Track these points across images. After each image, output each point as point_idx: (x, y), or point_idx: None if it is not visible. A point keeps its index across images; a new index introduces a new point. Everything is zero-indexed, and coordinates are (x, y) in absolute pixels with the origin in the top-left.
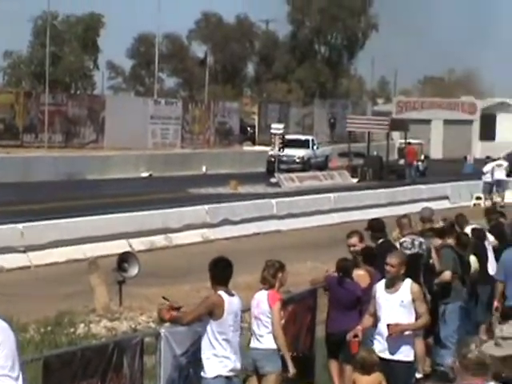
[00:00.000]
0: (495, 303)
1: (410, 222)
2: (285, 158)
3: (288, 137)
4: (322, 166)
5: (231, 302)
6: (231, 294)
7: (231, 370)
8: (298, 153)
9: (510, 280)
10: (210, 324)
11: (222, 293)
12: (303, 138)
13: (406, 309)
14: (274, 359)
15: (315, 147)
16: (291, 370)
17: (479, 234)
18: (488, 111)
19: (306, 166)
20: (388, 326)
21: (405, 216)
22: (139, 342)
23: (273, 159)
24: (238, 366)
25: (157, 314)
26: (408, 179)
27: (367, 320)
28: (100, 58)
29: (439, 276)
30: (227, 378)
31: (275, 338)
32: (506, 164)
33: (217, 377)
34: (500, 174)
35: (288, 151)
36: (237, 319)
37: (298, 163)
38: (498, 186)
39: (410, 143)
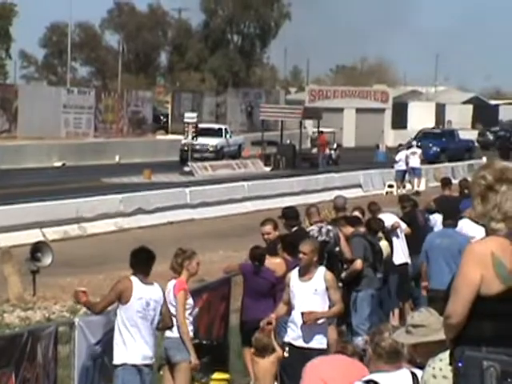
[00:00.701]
0: (423, 283)
1: (318, 211)
2: (198, 147)
3: (201, 126)
4: (235, 154)
5: (142, 289)
6: (147, 283)
7: (139, 359)
8: (211, 142)
9: (432, 263)
10: (120, 309)
11: (133, 277)
12: (216, 126)
13: (319, 296)
14: (184, 348)
15: (228, 136)
16: (193, 360)
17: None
18: (400, 99)
19: (219, 154)
20: (302, 313)
21: (313, 205)
22: (53, 331)
23: (186, 148)
24: (148, 355)
25: (73, 296)
26: (320, 168)
27: (281, 308)
28: (12, 47)
29: (351, 264)
30: (135, 366)
31: (178, 327)
32: (419, 152)
33: (123, 364)
34: (415, 162)
35: (201, 140)
36: (148, 307)
37: (211, 152)
38: (413, 173)
39: (322, 132)
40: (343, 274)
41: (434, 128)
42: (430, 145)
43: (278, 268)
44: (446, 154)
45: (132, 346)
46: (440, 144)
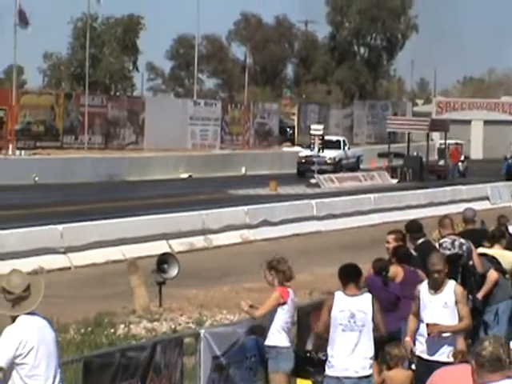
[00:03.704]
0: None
1: (452, 223)
2: (315, 159)
3: None
4: (354, 166)
5: (345, 301)
6: (353, 295)
7: (338, 371)
8: (329, 154)
9: None
10: None
11: (337, 292)
12: (334, 138)
13: (449, 310)
14: (282, 358)
15: (346, 148)
16: None
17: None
18: None
19: (337, 167)
20: (427, 325)
21: (446, 216)
22: (179, 342)
23: (303, 160)
24: (346, 366)
25: None
26: (450, 180)
27: (413, 324)
28: (139, 60)
29: (484, 278)
30: (336, 378)
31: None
32: None
33: (326, 376)
34: None
35: (319, 152)
36: (354, 319)
37: (328, 164)
38: None
39: (457, 144)
40: (480, 294)
41: None
42: None
43: (396, 274)
44: None
45: (333, 358)
46: None
